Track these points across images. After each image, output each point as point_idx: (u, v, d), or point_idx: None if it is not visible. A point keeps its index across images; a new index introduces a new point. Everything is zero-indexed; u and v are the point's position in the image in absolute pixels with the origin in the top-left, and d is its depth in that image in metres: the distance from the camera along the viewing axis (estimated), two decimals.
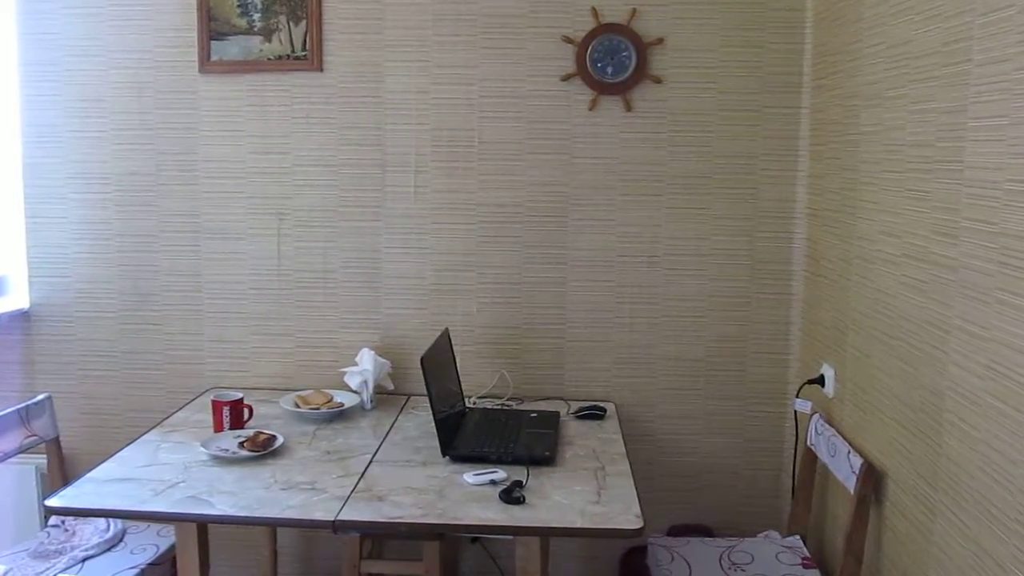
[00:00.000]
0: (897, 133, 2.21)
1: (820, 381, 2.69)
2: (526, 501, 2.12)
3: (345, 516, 2.04)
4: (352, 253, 3.02)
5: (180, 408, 2.82)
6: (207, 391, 2.99)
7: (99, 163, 3.02)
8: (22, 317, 3.06)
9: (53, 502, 2.10)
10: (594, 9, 2.87)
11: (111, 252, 3.06)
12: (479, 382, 2.99)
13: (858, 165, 2.45)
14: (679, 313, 2.99)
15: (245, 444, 2.39)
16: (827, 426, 2.54)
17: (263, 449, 2.37)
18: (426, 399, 2.43)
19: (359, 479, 2.25)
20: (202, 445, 2.38)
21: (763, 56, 2.89)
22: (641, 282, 2.98)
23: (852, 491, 2.27)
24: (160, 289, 3.07)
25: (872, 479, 2.26)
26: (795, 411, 2.79)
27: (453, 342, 2.87)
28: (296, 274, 3.04)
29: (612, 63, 2.88)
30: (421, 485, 2.21)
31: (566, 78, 2.91)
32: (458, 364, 2.81)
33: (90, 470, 2.29)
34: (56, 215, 3.06)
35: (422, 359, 2.34)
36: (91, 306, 3.09)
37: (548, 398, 3.00)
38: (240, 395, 2.60)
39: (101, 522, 2.62)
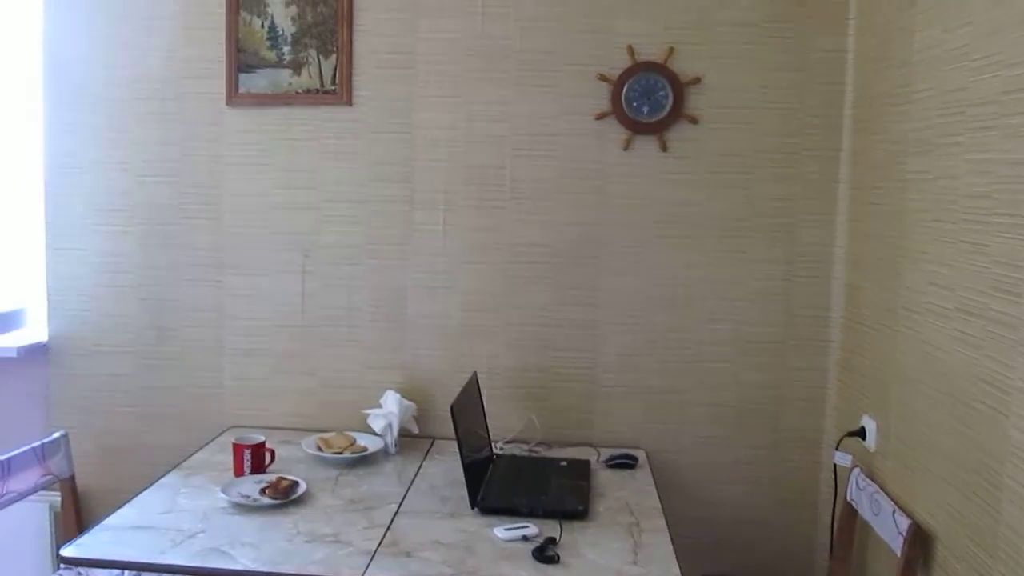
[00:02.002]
0: (950, 182, 2.13)
1: (861, 434, 2.59)
2: (560, 560, 2.02)
3: (372, 574, 1.94)
4: (378, 291, 2.95)
5: (200, 448, 2.74)
6: (227, 429, 2.92)
7: (121, 195, 2.96)
8: (40, 350, 3.00)
9: (69, 551, 2.03)
10: (630, 47, 2.81)
11: (131, 286, 3.00)
12: (506, 425, 2.90)
13: (905, 212, 2.37)
14: (713, 358, 2.90)
15: (267, 490, 2.31)
16: (869, 481, 2.44)
17: (285, 497, 2.29)
18: (451, 443, 2.36)
19: (385, 531, 2.16)
20: (222, 491, 2.30)
21: (803, 97, 2.82)
22: (674, 326, 2.90)
23: (898, 553, 2.17)
24: (181, 324, 3.00)
25: (921, 542, 2.15)
26: (834, 463, 2.69)
27: (480, 384, 2.78)
28: (320, 312, 2.97)
29: (648, 102, 2.82)
30: (450, 540, 2.12)
31: (600, 117, 2.84)
32: (485, 408, 2.72)
33: (105, 511, 2.21)
34: (76, 247, 3.00)
35: (452, 408, 2.26)
36: (110, 340, 3.02)
37: (577, 444, 2.91)
38: (262, 438, 2.52)
39: (117, 571, 2.52)
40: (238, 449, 2.46)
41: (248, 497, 2.29)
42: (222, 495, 2.30)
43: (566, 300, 2.92)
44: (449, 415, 2.26)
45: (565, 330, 2.93)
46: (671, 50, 2.81)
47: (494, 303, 2.93)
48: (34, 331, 3.03)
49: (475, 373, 2.72)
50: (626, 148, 2.86)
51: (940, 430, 2.13)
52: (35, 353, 2.97)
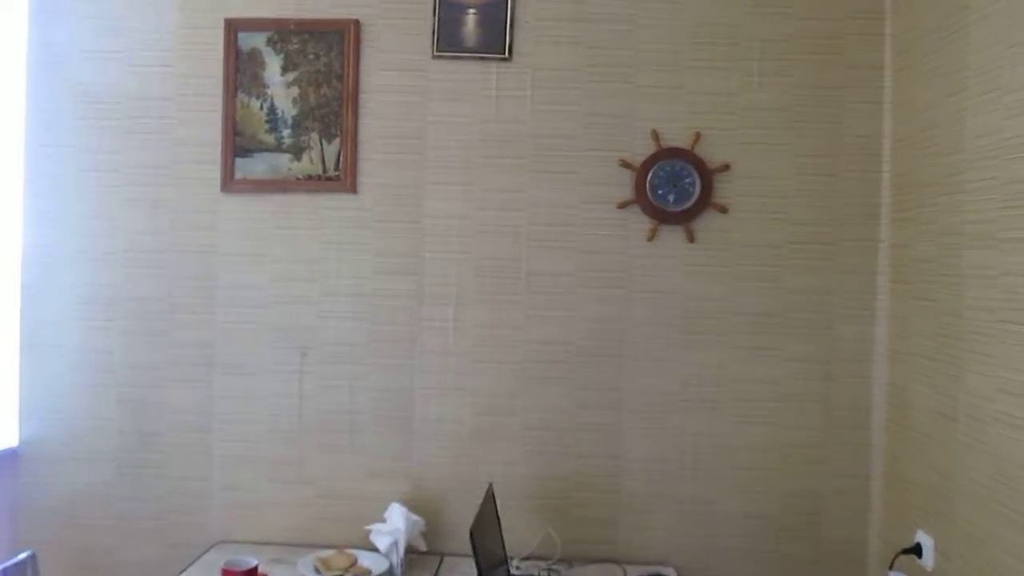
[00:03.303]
0: (1018, 279, 1.93)
1: (916, 551, 2.35)
2: None
3: None
4: (382, 393, 2.73)
5: (185, 568, 2.48)
6: (215, 545, 2.65)
7: (105, 287, 2.74)
8: (9, 457, 2.74)
9: None
10: (655, 132, 2.64)
11: (112, 385, 2.75)
12: (523, 540, 2.65)
13: (962, 311, 2.17)
14: (747, 464, 2.67)
15: None
16: None
17: None
18: (463, 559, 2.30)
19: None
20: None
21: (837, 184, 2.66)
22: (704, 429, 2.68)
23: None
24: (165, 428, 2.75)
25: None
26: None
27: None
28: (319, 415, 2.73)
29: (674, 190, 2.64)
30: None
31: (623, 205, 2.66)
32: (501, 522, 2.46)
33: None
34: (53, 343, 2.76)
35: (471, 533, 2.01)
36: (87, 446, 2.76)
37: (600, 560, 2.65)
38: (254, 561, 2.26)
39: None
40: None
41: None
42: None
43: (587, 402, 2.70)
44: (461, 531, 2.02)
45: (586, 435, 2.70)
46: (698, 135, 2.65)
47: (509, 406, 2.70)
48: (3, 436, 2.76)
49: (491, 486, 2.47)
50: (651, 239, 2.68)
51: (1017, 553, 1.89)
52: (4, 461, 2.71)
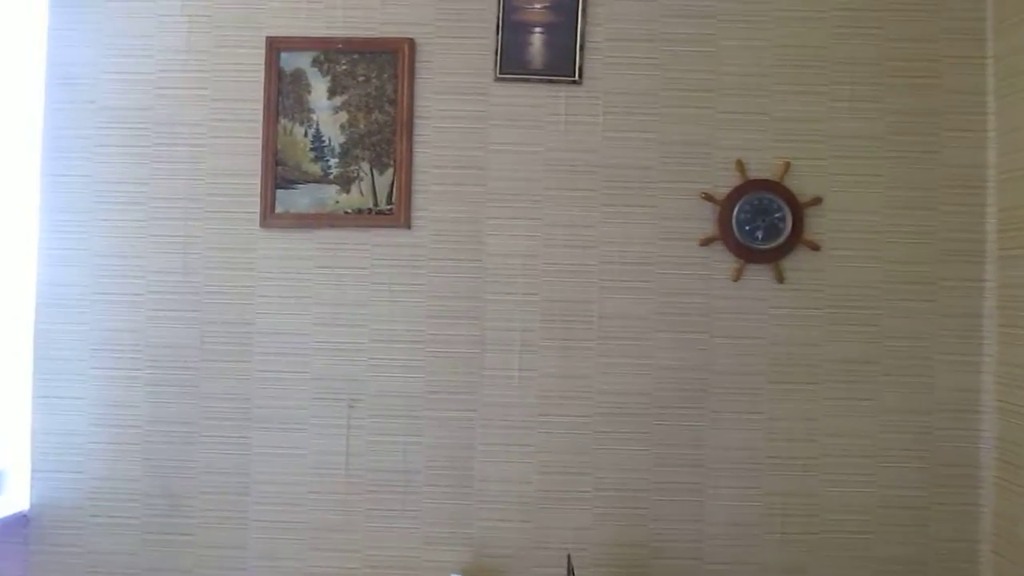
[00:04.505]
0: None
1: None
2: None
3: None
4: (439, 451, 2.47)
5: None
6: None
7: (130, 333, 2.49)
8: (19, 523, 2.48)
9: None
10: (739, 162, 2.42)
11: (136, 443, 2.49)
12: None
13: None
14: (842, 528, 2.44)
15: None
16: None
17: None
18: None
19: None
20: None
21: (936, 219, 2.45)
22: (794, 490, 2.46)
23: None
24: (196, 491, 2.48)
25: None
26: None
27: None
28: (368, 475, 2.48)
29: (763, 226, 2.40)
30: None
31: (706, 242, 2.43)
32: None
33: None
34: (70, 395, 2.50)
35: None
36: (107, 510, 2.50)
37: None
38: None
39: None
40: None
41: None
42: None
43: (666, 460, 2.46)
44: None
45: (665, 496, 2.47)
46: (787, 165, 2.42)
47: (580, 464, 2.47)
48: (13, 499, 2.51)
49: (569, 557, 2.20)
50: (736, 279, 2.45)
51: None
52: (13, 526, 2.46)
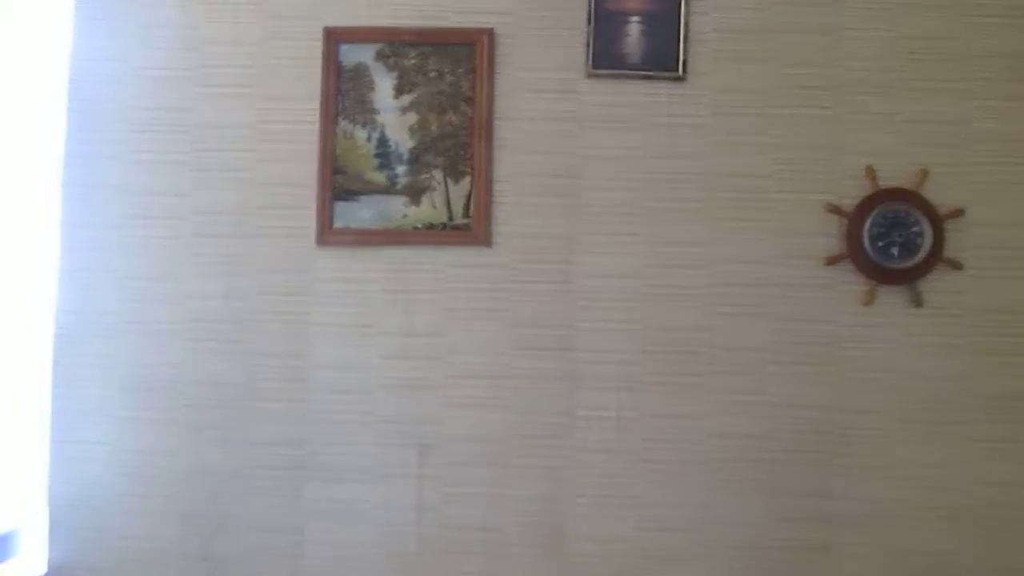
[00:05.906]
0: None
1: None
2: None
3: None
4: (525, 504, 2.20)
5: None
6: None
7: (163, 367, 2.24)
8: None
9: None
10: (870, 168, 2.18)
11: (171, 496, 2.22)
12: None
13: None
14: None
15: None
16: None
17: None
18: None
19: None
20: None
21: None
22: (945, 547, 2.17)
23: None
24: (242, 552, 2.20)
25: None
26: None
27: None
28: (444, 534, 2.20)
29: (899, 242, 2.11)
30: None
31: (831, 261, 2.20)
32: None
33: None
34: (94, 440, 2.23)
35: None
36: (137, 573, 2.21)
37: None
38: None
39: None
40: None
41: None
42: None
43: (790, 514, 2.19)
44: None
45: (790, 555, 2.19)
46: (925, 173, 2.17)
47: (688, 519, 2.20)
48: (28, 562, 2.25)
49: None
50: (867, 303, 2.21)
51: None
52: None
